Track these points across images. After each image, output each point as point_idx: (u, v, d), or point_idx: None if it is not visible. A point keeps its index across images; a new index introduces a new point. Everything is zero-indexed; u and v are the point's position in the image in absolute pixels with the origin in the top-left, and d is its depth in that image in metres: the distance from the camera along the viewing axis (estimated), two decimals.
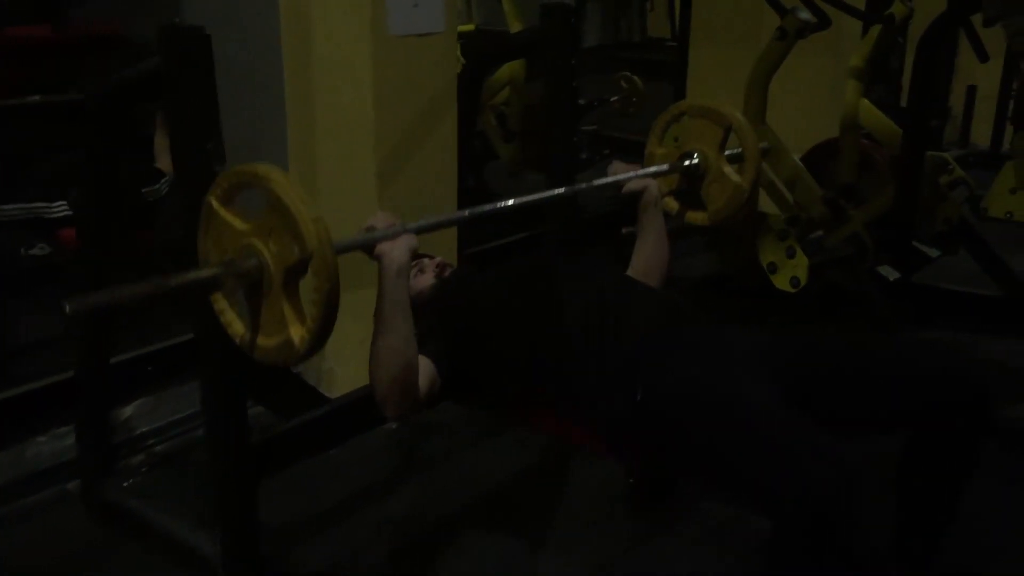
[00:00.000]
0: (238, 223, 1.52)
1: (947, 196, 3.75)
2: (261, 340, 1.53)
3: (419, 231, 1.86)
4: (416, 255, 2.31)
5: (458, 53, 3.51)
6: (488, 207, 2.02)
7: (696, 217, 2.49)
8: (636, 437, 1.89)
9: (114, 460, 2.67)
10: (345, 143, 2.85)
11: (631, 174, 2.33)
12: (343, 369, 3.07)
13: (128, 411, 2.91)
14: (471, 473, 2.77)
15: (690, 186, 2.45)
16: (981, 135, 6.41)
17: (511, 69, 4.70)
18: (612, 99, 5.98)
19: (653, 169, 2.39)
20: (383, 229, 1.82)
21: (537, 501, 2.64)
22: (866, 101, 3.82)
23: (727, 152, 2.42)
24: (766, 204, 3.60)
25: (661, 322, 2.03)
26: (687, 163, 2.42)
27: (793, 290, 3.21)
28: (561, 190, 2.28)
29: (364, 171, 2.84)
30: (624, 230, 2.50)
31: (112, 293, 1.44)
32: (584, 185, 2.29)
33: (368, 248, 1.80)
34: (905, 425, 1.97)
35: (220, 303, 1.59)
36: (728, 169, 2.40)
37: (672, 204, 2.51)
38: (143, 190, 3.63)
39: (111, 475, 2.61)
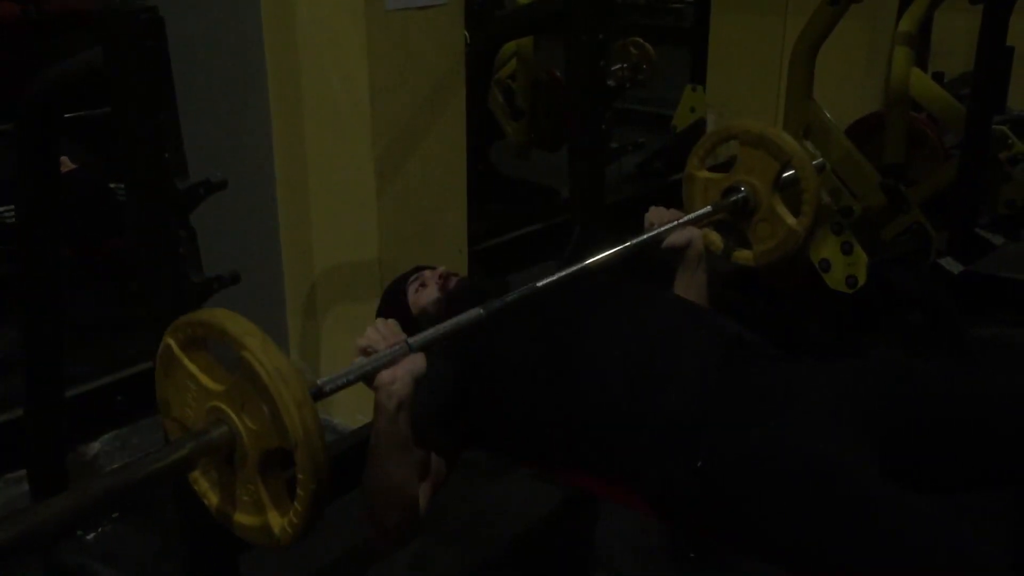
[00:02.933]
0: (205, 379, 1.33)
1: (1009, 175, 3.48)
2: (238, 517, 1.36)
3: (425, 346, 1.59)
4: (416, 269, 2.08)
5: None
6: (510, 296, 1.74)
7: (742, 256, 2.27)
8: (697, 510, 1.64)
9: None
10: (338, 137, 2.66)
11: (671, 224, 2.11)
12: (345, 391, 2.81)
13: (94, 448, 2.71)
14: (486, 521, 2.56)
15: (734, 221, 2.23)
16: (1019, 100, 6.16)
17: (518, 41, 4.51)
18: (620, 67, 5.73)
19: (697, 215, 2.15)
20: (383, 351, 1.55)
21: (560, 553, 2.46)
22: (917, 70, 3.55)
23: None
24: None
25: (719, 363, 1.75)
26: (734, 199, 2.19)
27: (850, 291, 2.93)
28: (597, 257, 1.96)
29: (361, 169, 2.64)
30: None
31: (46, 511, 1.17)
32: (619, 248, 2.00)
33: (367, 379, 1.56)
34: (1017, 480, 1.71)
35: (193, 475, 1.41)
36: (782, 209, 2.17)
37: (714, 238, 2.27)
38: (113, 187, 3.36)
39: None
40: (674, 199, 2.34)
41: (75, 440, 2.60)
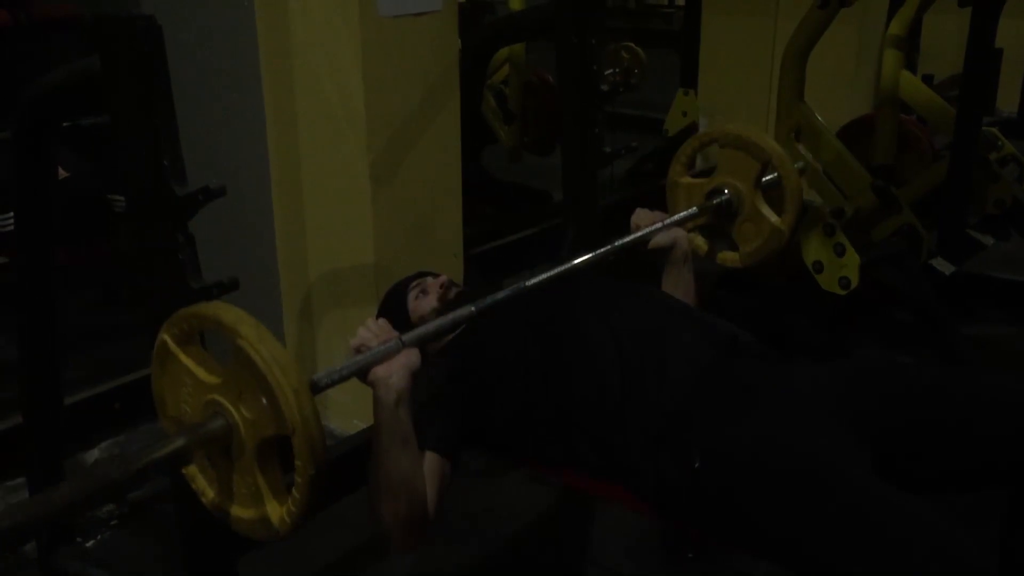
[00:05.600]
0: (201, 372, 1.31)
1: (999, 175, 3.47)
2: (235, 510, 1.34)
3: (419, 342, 1.58)
4: (419, 274, 2.05)
5: None
6: (501, 294, 1.73)
7: (727, 258, 2.28)
8: (694, 509, 1.63)
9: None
10: (333, 142, 2.66)
11: (657, 225, 2.11)
12: (339, 395, 2.87)
13: (93, 455, 2.69)
14: (483, 521, 2.55)
15: (719, 223, 2.24)
16: (1008, 101, 6.19)
17: (511, 46, 4.47)
18: (612, 71, 5.73)
19: (681, 216, 2.15)
20: (376, 347, 1.55)
21: (558, 553, 2.44)
22: (907, 73, 3.55)
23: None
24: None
25: (711, 360, 1.75)
26: (717, 200, 2.20)
27: (843, 292, 2.93)
28: (587, 256, 1.96)
29: (356, 173, 2.64)
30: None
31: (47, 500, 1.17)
32: (607, 248, 2.00)
33: (361, 374, 1.55)
34: (1011, 481, 1.69)
35: (191, 471, 1.39)
36: (766, 209, 2.18)
37: (700, 242, 2.28)
38: (109, 197, 3.34)
39: (73, 532, 2.38)
40: (666, 202, 2.35)
41: (73, 447, 2.57)
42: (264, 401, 1.23)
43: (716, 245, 2.29)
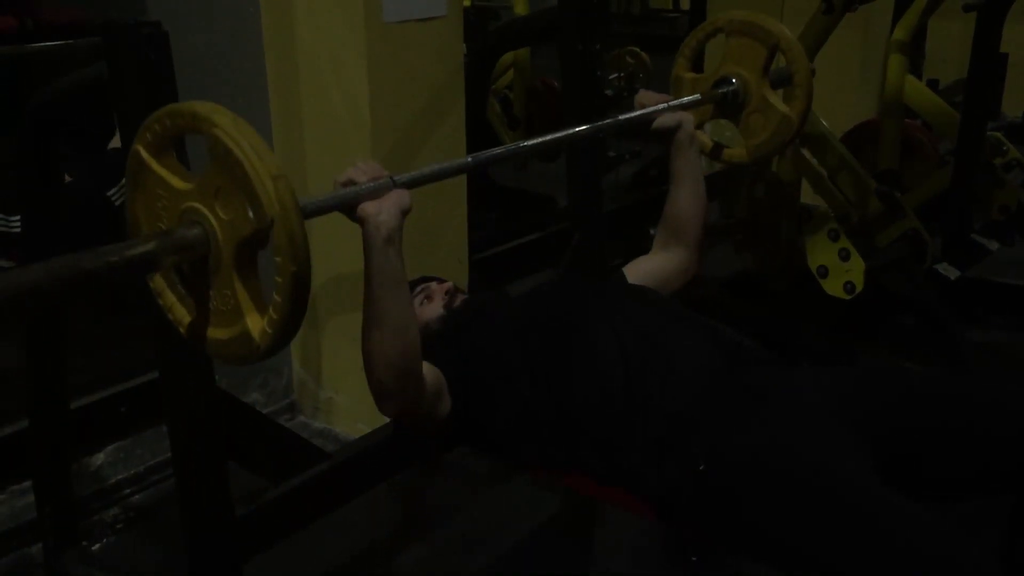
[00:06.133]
0: (176, 181, 1.21)
1: (1003, 180, 3.47)
2: (212, 332, 1.24)
3: (412, 184, 1.52)
4: (424, 279, 2.03)
5: None
6: (498, 151, 1.71)
7: (734, 154, 2.18)
8: (697, 513, 1.62)
9: (81, 518, 2.41)
10: (338, 148, 2.64)
11: (661, 106, 2.02)
12: (343, 398, 2.91)
13: (99, 459, 2.65)
14: (486, 525, 2.53)
15: (726, 116, 2.15)
16: (1012, 106, 6.15)
17: (515, 51, 4.52)
18: (616, 76, 5.72)
19: (687, 99, 2.07)
20: (366, 183, 1.49)
21: (561, 556, 2.42)
22: (912, 78, 3.55)
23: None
24: (806, 195, 3.29)
25: (716, 365, 1.73)
26: (723, 90, 2.10)
27: (848, 297, 2.92)
28: (583, 127, 1.93)
29: None
30: (653, 231, 2.18)
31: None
32: (610, 121, 1.97)
33: (348, 209, 1.48)
34: (1014, 486, 1.68)
35: (157, 283, 1.29)
36: (774, 97, 2.09)
37: (704, 139, 2.20)
38: (108, 193, 3.33)
39: (78, 536, 2.34)
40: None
41: (79, 451, 2.56)
42: (241, 196, 1.14)
43: (720, 143, 2.23)
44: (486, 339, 1.83)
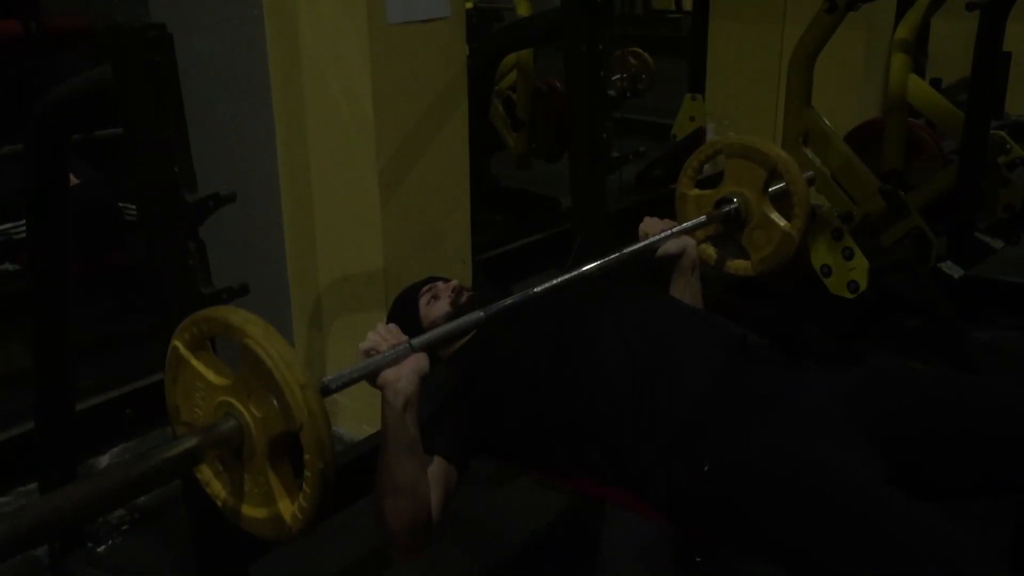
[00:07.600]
0: (212, 376, 1.34)
1: (1008, 179, 3.47)
2: (246, 509, 1.36)
3: (428, 346, 1.60)
4: (430, 279, 2.05)
5: None
6: (508, 301, 1.75)
7: (738, 266, 2.28)
8: (703, 514, 1.62)
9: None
10: (342, 150, 2.64)
11: (666, 233, 2.10)
12: (348, 400, 2.89)
13: (104, 460, 2.68)
14: (492, 527, 2.53)
15: (729, 233, 2.25)
16: (1016, 105, 6.15)
17: (518, 52, 4.46)
18: (619, 77, 5.73)
19: (689, 224, 2.16)
20: (386, 351, 1.56)
21: (567, 559, 2.42)
22: (915, 76, 3.55)
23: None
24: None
25: (723, 366, 1.74)
26: (726, 209, 2.21)
27: (852, 295, 2.92)
28: (590, 266, 1.96)
29: (365, 180, 2.62)
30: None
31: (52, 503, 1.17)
32: (615, 255, 2.00)
33: (370, 378, 1.55)
34: (1021, 489, 1.67)
35: (204, 474, 1.40)
36: (774, 215, 2.19)
37: (710, 252, 2.30)
38: (120, 205, 3.33)
39: (84, 538, 2.38)
40: (674, 207, 2.35)
41: (85, 453, 2.57)
42: (272, 399, 1.25)
43: (725, 254, 2.29)
44: (494, 345, 1.84)
